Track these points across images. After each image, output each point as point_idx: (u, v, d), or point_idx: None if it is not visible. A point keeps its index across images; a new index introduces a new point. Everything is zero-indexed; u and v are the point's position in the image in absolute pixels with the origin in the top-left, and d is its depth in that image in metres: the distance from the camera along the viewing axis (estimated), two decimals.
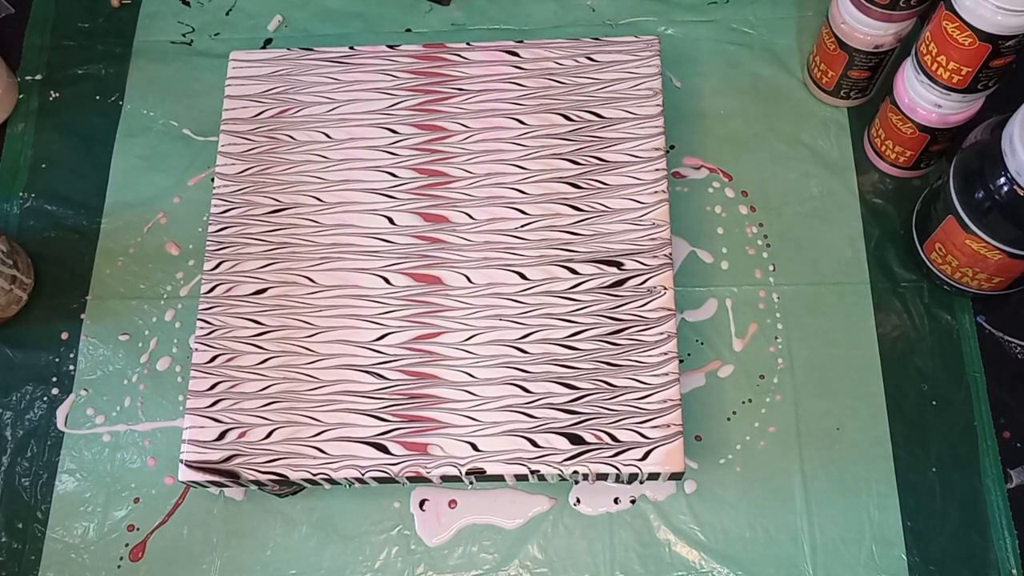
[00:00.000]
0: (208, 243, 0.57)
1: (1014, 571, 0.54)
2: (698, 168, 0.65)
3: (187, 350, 0.61)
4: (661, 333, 0.54)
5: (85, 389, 0.61)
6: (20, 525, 0.58)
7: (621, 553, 0.56)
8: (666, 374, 0.53)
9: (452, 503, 0.57)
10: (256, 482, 0.52)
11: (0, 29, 0.72)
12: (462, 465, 0.51)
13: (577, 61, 0.61)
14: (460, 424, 0.52)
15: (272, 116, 0.60)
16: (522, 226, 0.57)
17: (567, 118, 0.59)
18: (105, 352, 0.62)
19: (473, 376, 0.54)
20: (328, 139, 0.60)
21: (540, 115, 0.60)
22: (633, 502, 0.57)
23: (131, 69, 0.70)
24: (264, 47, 0.70)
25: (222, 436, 0.53)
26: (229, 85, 0.61)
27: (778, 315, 0.61)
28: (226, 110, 0.61)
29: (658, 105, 0.59)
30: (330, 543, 0.57)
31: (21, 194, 0.67)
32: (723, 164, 0.65)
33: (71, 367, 0.62)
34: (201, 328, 0.55)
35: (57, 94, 0.70)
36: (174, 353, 0.61)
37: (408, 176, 0.58)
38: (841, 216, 0.63)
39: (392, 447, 0.52)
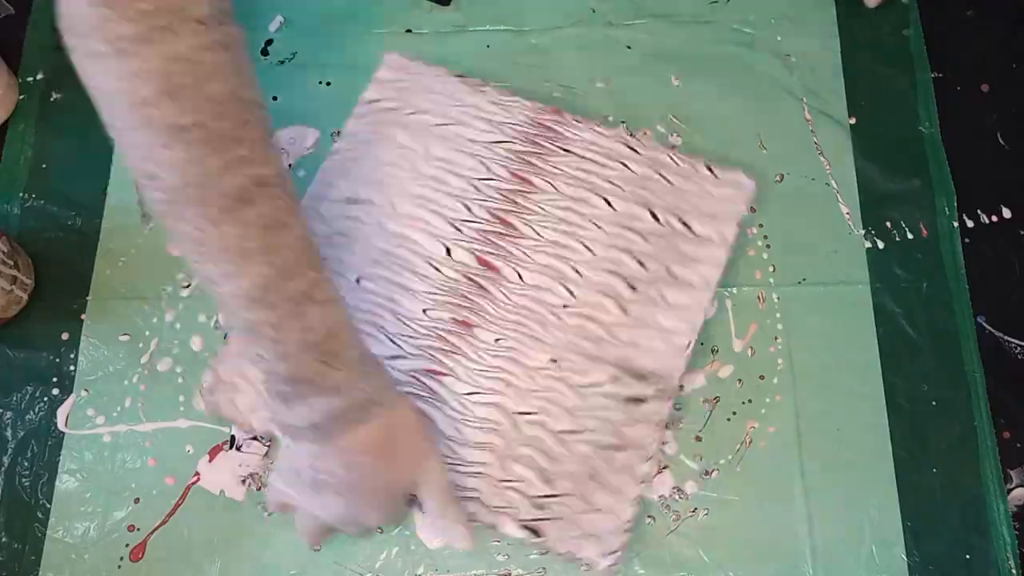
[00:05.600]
0: None
1: (1014, 571, 0.54)
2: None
3: (188, 351, 0.61)
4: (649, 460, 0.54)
5: (86, 389, 0.61)
6: (20, 525, 0.58)
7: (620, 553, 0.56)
8: (628, 507, 0.53)
9: None
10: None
11: (0, 29, 0.72)
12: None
13: (685, 168, 0.60)
14: None
15: (387, 109, 0.60)
16: (564, 306, 0.56)
17: (655, 217, 0.58)
18: (106, 352, 0.62)
19: (460, 432, 0.54)
20: (425, 152, 0.59)
21: (631, 204, 0.58)
22: None
23: None
24: (265, 47, 0.70)
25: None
26: (374, 80, 0.63)
27: (778, 315, 0.61)
28: (363, 99, 0.62)
29: (726, 245, 0.59)
30: (330, 543, 0.57)
31: (21, 194, 0.67)
32: (723, 165, 0.65)
33: (72, 367, 0.62)
34: None
35: (58, 95, 0.70)
36: (175, 354, 0.61)
37: (481, 216, 0.57)
38: (841, 217, 0.63)
39: None
